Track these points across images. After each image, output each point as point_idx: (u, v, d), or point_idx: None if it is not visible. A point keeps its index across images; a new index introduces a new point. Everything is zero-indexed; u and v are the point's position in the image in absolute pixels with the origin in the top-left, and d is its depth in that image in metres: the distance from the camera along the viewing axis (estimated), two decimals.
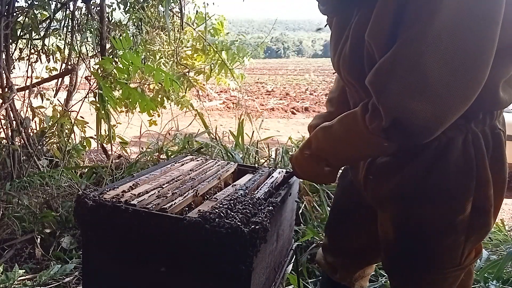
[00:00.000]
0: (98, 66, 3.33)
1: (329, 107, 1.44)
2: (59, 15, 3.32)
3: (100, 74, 3.02)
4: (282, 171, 1.53)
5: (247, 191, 1.22)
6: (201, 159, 1.60)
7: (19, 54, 3.41)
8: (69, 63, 3.54)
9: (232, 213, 1.01)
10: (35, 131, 3.36)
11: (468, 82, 0.88)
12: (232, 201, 1.09)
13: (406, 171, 1.08)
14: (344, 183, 1.41)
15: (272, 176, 1.43)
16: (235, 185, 1.30)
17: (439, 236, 1.08)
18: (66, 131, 3.39)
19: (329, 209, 2.46)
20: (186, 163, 1.53)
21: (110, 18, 3.65)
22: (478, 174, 1.04)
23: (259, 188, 1.28)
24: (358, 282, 1.54)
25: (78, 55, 3.51)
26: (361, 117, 0.99)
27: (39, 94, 3.44)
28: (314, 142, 1.12)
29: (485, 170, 1.04)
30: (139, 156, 3.57)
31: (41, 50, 3.47)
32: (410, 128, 0.90)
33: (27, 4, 3.14)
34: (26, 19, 3.20)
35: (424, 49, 0.86)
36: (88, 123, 3.41)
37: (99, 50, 3.38)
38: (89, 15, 3.33)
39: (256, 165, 2.51)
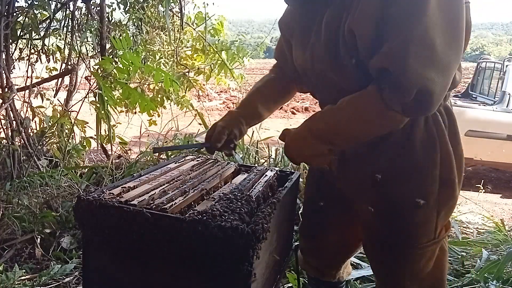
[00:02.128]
0: (98, 66, 3.33)
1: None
2: (59, 15, 3.32)
3: (100, 74, 3.02)
4: (275, 170, 1.52)
5: (243, 190, 1.22)
6: (201, 159, 1.60)
7: (19, 54, 3.40)
8: (69, 63, 3.54)
9: (231, 213, 1.01)
10: (35, 131, 3.36)
11: (458, 53, 1.01)
12: (230, 201, 1.09)
13: (377, 154, 1.18)
14: (315, 179, 1.45)
15: (266, 175, 1.43)
16: (231, 184, 1.30)
17: (414, 211, 1.18)
18: (66, 131, 3.39)
19: None
20: (186, 163, 1.53)
21: (110, 18, 3.65)
22: (441, 148, 1.16)
23: (254, 187, 1.28)
24: (344, 271, 1.62)
25: (78, 55, 3.51)
26: (378, 95, 1.04)
27: (39, 94, 3.43)
28: (320, 124, 1.15)
29: (447, 144, 1.17)
30: (139, 156, 3.57)
31: (41, 50, 3.46)
32: (430, 97, 1.00)
33: (27, 4, 3.14)
34: (26, 19, 3.20)
35: (427, 24, 0.96)
36: (88, 123, 3.40)
37: (99, 50, 3.38)
38: (89, 15, 3.33)
39: (256, 165, 2.51)
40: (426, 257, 1.26)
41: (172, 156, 3.27)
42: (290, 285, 1.99)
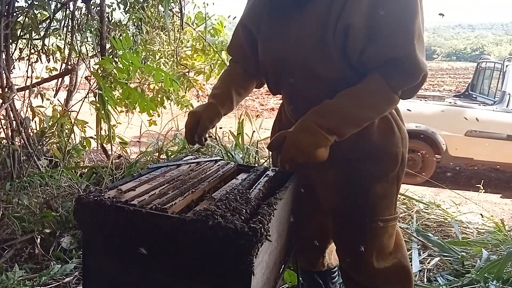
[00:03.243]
0: (98, 66, 3.33)
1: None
2: (59, 15, 3.31)
3: (100, 74, 3.02)
4: (276, 170, 1.52)
5: (243, 190, 1.22)
6: (201, 159, 1.60)
7: (19, 54, 3.40)
8: (69, 63, 3.53)
9: (232, 213, 1.01)
10: (35, 131, 3.35)
11: None
12: (230, 201, 1.09)
13: (341, 141, 1.27)
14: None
15: (266, 175, 1.43)
16: (231, 184, 1.30)
17: (375, 184, 1.34)
18: (66, 131, 3.38)
19: None
20: (186, 163, 1.53)
21: (110, 18, 3.64)
22: (399, 130, 1.36)
23: (255, 187, 1.28)
24: (331, 257, 1.74)
25: (78, 55, 3.50)
26: (384, 82, 1.20)
27: (39, 94, 3.43)
28: (327, 117, 1.22)
29: (402, 127, 1.38)
30: (139, 156, 3.57)
31: (41, 50, 3.45)
32: (426, 78, 1.21)
33: (27, 4, 3.13)
34: (26, 19, 3.19)
35: (420, 23, 1.16)
36: (88, 123, 3.40)
37: (99, 50, 3.38)
38: (89, 15, 3.33)
39: (256, 165, 2.50)
40: (388, 233, 1.40)
41: (172, 157, 3.27)
42: (287, 285, 1.99)
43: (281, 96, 1.56)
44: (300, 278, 1.74)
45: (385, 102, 1.24)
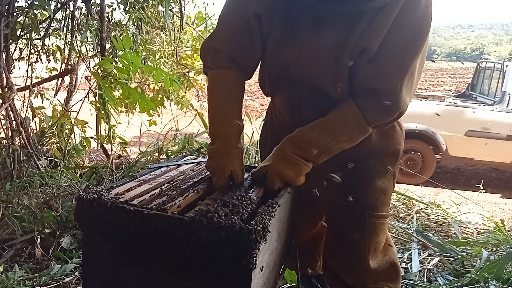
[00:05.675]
0: (98, 66, 3.33)
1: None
2: (59, 15, 3.32)
3: (100, 74, 3.02)
4: None
5: (243, 189, 1.22)
6: (201, 159, 1.60)
7: (19, 54, 3.40)
8: (69, 63, 3.54)
9: (232, 213, 1.01)
10: (35, 131, 3.35)
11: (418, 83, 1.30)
12: (230, 201, 1.09)
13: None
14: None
15: None
16: (231, 184, 1.30)
17: (376, 179, 1.38)
18: (66, 131, 3.39)
19: None
20: (186, 163, 1.53)
21: (110, 18, 3.65)
22: (400, 128, 1.41)
23: (255, 187, 1.28)
24: None
25: (78, 55, 3.51)
26: (360, 115, 1.23)
27: (39, 94, 3.43)
28: (308, 149, 1.25)
29: (401, 124, 1.43)
30: (139, 156, 3.57)
31: (41, 50, 3.46)
32: (402, 115, 1.26)
33: (27, 4, 3.14)
34: (26, 19, 3.20)
35: (418, 63, 1.19)
36: (88, 123, 3.40)
37: (99, 50, 3.38)
38: (89, 15, 3.33)
39: (256, 165, 2.50)
40: (384, 230, 1.45)
41: (172, 157, 3.27)
42: (287, 285, 1.98)
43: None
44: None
45: (358, 133, 1.28)
